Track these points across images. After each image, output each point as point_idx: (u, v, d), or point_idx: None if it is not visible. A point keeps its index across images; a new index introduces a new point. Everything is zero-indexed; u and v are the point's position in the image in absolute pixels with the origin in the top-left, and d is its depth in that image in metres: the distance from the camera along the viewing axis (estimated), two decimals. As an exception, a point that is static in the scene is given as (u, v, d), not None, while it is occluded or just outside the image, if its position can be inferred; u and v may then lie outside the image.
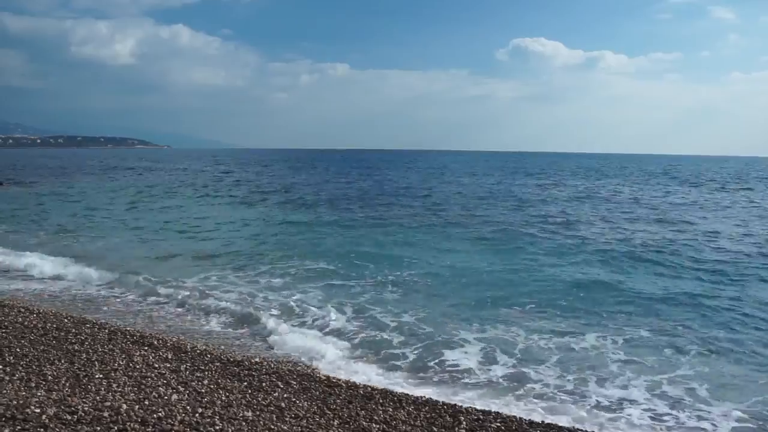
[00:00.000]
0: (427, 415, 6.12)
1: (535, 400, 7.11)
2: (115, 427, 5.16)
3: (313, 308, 10.66)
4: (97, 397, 5.86)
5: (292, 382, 6.89)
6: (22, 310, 9.38)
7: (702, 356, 8.61)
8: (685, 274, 14.15)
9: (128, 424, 5.25)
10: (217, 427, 5.40)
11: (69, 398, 5.76)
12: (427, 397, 6.72)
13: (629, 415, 6.74)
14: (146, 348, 7.83)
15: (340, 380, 7.05)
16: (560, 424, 6.23)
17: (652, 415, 6.76)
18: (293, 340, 8.78)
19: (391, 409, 6.22)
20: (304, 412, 5.98)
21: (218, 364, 7.39)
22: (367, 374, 7.69)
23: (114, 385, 6.28)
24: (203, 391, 6.37)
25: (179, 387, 6.41)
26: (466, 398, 7.03)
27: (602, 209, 28.37)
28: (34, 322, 8.63)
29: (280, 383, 6.81)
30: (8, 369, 6.58)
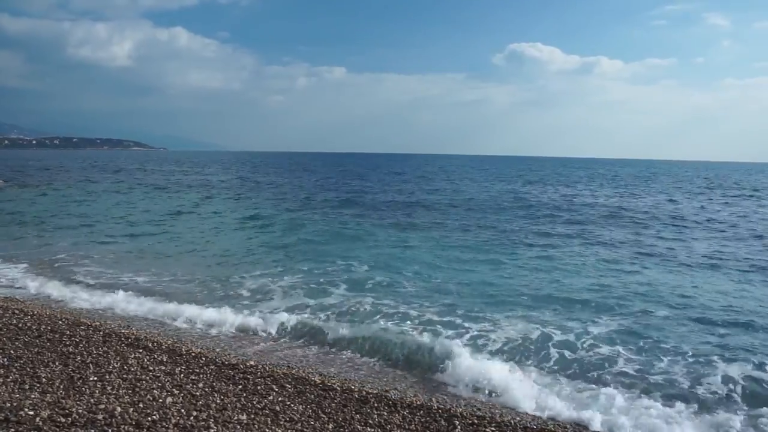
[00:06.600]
0: (422, 420, 6.13)
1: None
2: (110, 430, 5.16)
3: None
4: (92, 400, 5.85)
5: (287, 385, 6.89)
6: (17, 311, 9.35)
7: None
8: None
9: (122, 426, 5.24)
10: (212, 430, 5.40)
11: (63, 400, 5.75)
12: (421, 401, 6.74)
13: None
14: (141, 351, 7.81)
15: (334, 384, 7.06)
16: (554, 429, 6.25)
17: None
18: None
19: (386, 413, 6.23)
20: (298, 416, 5.98)
21: (213, 367, 7.38)
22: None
23: (108, 388, 6.27)
24: (198, 394, 6.36)
25: (174, 390, 6.40)
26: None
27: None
28: (28, 324, 8.60)
29: (275, 386, 6.81)
30: (2, 371, 6.56)
